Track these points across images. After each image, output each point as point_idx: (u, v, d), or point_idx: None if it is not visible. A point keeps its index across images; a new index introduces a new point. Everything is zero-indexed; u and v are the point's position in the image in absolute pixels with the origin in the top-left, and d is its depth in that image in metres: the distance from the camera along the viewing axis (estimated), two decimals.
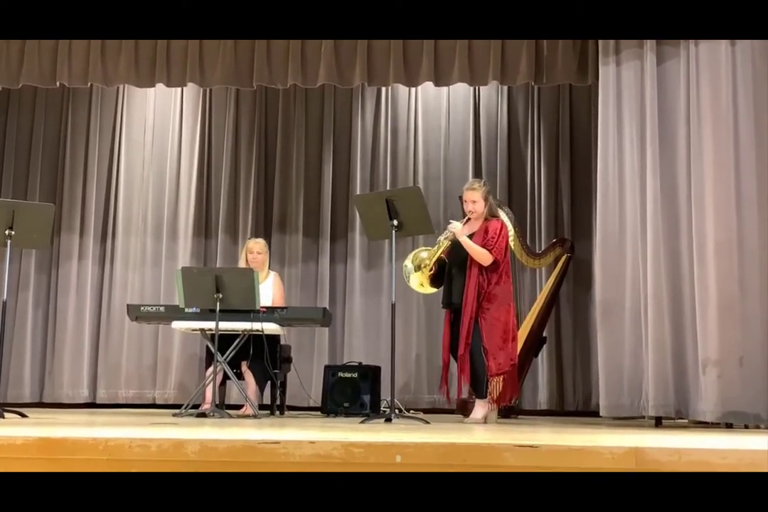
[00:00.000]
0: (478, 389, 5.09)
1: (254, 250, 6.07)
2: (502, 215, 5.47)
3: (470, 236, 5.15)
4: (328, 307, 6.45)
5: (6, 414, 4.70)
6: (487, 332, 5.01)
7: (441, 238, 5.23)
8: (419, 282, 5.25)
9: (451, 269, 5.24)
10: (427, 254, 5.23)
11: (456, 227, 5.15)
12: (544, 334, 6.49)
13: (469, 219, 5.25)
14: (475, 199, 5.19)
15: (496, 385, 5.02)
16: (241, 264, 6.09)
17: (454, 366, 5.18)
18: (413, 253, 5.31)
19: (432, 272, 5.21)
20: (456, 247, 5.18)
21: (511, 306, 5.13)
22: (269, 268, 6.24)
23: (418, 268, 5.22)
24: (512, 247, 5.75)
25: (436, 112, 7.43)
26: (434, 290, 5.34)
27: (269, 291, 5.98)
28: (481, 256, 5.06)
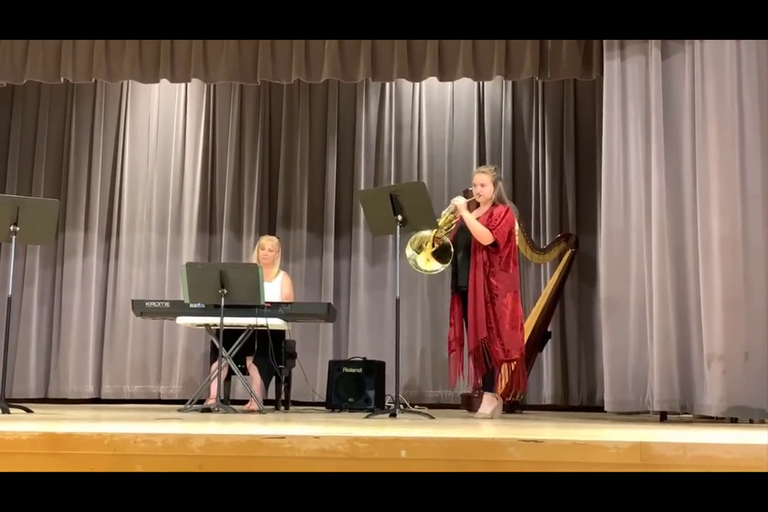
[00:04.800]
0: (486, 378, 5.03)
1: (266, 246, 6.07)
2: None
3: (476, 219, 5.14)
4: (332, 303, 6.45)
5: (11, 410, 4.71)
6: (496, 317, 4.97)
7: (444, 211, 5.21)
8: (425, 259, 5.16)
9: (457, 254, 5.19)
10: (429, 232, 5.14)
11: (459, 201, 5.14)
12: (549, 329, 6.49)
13: (474, 200, 5.22)
14: (484, 183, 5.16)
15: (504, 373, 4.99)
16: (252, 260, 6.10)
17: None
18: (412, 238, 5.21)
19: (434, 249, 5.16)
20: (462, 231, 5.18)
21: (518, 294, 5.10)
22: (280, 268, 6.23)
23: (419, 249, 5.17)
24: (516, 242, 5.72)
25: (441, 107, 7.42)
26: (441, 266, 5.18)
27: (276, 289, 5.98)
28: (482, 233, 5.02)
